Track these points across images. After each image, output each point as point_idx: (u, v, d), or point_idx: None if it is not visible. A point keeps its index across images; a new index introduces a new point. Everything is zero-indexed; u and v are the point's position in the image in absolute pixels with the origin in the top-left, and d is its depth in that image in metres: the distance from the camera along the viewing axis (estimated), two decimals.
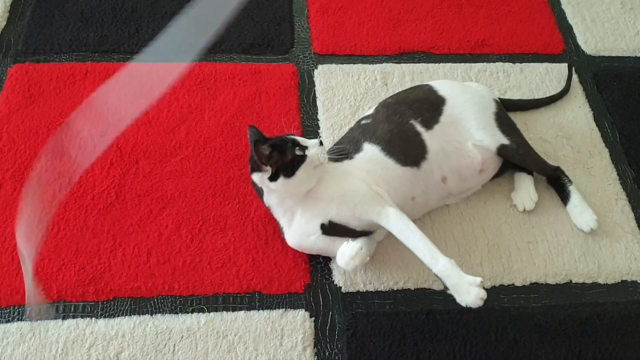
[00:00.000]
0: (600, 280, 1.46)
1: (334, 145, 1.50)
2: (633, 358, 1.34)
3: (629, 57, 1.92)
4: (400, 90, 1.71)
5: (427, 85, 1.57)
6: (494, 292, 1.42)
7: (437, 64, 1.82)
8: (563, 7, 2.04)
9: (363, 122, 1.50)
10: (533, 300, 1.41)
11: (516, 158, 1.51)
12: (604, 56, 1.92)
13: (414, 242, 1.28)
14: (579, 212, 1.51)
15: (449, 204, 1.53)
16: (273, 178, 1.28)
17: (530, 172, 1.57)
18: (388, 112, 1.48)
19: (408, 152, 1.41)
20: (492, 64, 1.84)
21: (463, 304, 1.23)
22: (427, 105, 1.49)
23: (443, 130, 1.46)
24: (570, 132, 1.70)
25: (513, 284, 1.43)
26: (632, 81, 1.84)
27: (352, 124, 1.64)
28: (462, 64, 1.83)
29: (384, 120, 1.46)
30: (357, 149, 1.42)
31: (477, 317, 1.37)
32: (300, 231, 1.34)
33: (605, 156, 1.67)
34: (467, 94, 1.53)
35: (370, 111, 1.53)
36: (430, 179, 1.43)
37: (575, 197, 1.52)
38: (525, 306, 1.40)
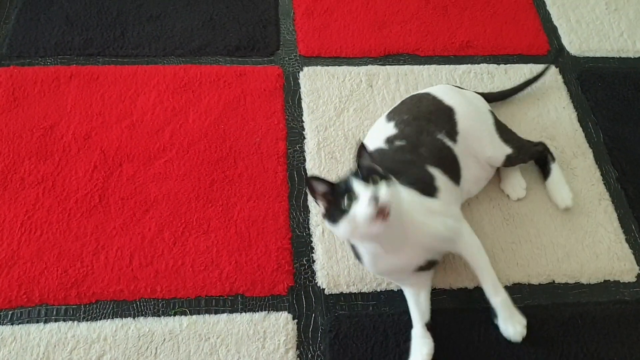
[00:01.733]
0: (583, 280, 1.46)
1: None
2: (615, 358, 1.34)
3: (613, 57, 1.93)
4: (385, 92, 1.73)
5: (427, 94, 1.51)
6: (477, 293, 1.41)
7: (421, 66, 1.83)
8: (548, 8, 2.04)
9: (397, 143, 1.40)
10: (516, 301, 1.40)
11: (517, 163, 1.53)
12: (588, 57, 1.92)
13: (482, 268, 1.33)
14: (557, 188, 1.55)
15: None
16: (325, 216, 1.17)
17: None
18: (414, 130, 1.41)
19: (452, 170, 1.40)
20: (476, 65, 1.85)
21: (505, 334, 1.33)
22: (441, 115, 1.44)
23: (462, 141, 1.43)
24: (554, 132, 1.71)
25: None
26: (616, 82, 1.85)
27: (337, 125, 1.66)
28: (447, 66, 1.83)
29: (419, 142, 1.39)
30: (431, 177, 1.34)
31: (459, 317, 1.37)
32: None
33: (589, 156, 1.67)
34: (470, 106, 1.49)
35: (390, 128, 1.44)
36: (461, 192, 1.44)
37: (555, 174, 1.56)
38: None
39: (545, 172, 1.57)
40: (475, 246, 1.34)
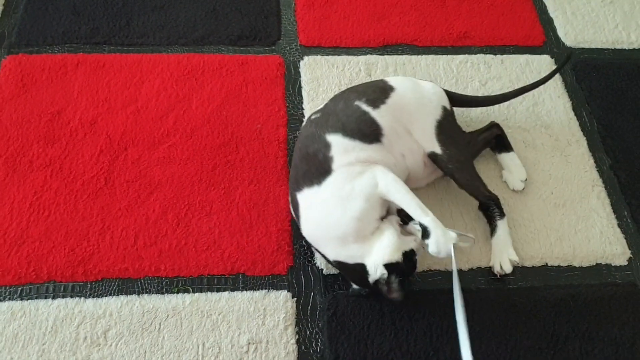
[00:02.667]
0: (575, 264, 1.50)
1: (296, 145, 1.49)
2: (605, 338, 1.38)
3: (608, 49, 1.96)
4: None
5: (380, 79, 1.57)
6: (471, 274, 1.46)
7: (419, 56, 1.86)
8: (544, 0, 2.08)
9: (313, 117, 1.49)
10: (509, 282, 1.45)
11: (445, 170, 1.48)
12: (583, 48, 1.96)
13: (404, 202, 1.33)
14: (499, 250, 1.46)
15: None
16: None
17: (509, 149, 1.62)
18: (334, 102, 1.48)
19: (364, 131, 1.40)
20: (473, 55, 1.88)
21: (435, 252, 1.31)
22: (373, 88, 1.49)
23: (390, 111, 1.45)
24: (549, 121, 1.74)
25: (490, 267, 1.47)
26: (611, 72, 1.89)
27: None
28: (444, 56, 1.87)
29: (332, 112, 1.44)
30: (326, 145, 1.38)
31: (454, 298, 1.41)
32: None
33: (583, 144, 1.71)
34: (417, 93, 1.50)
35: (320, 106, 1.53)
36: (394, 153, 1.43)
37: (500, 233, 1.47)
38: (501, 288, 1.44)
39: (491, 227, 1.49)
40: (392, 185, 1.33)
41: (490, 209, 1.48)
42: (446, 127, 1.50)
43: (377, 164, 1.37)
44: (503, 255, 1.45)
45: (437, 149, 1.47)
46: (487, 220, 1.50)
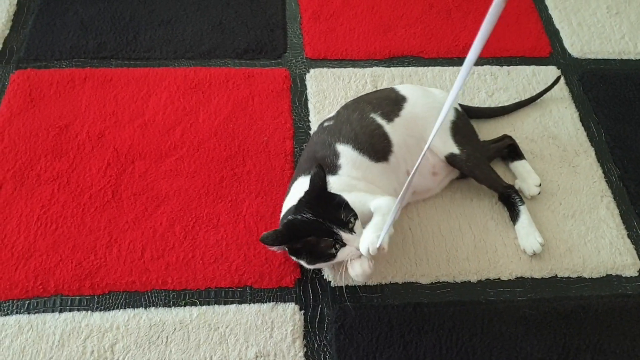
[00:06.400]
0: (585, 275, 1.49)
1: (305, 149, 1.55)
2: (617, 350, 1.36)
3: (615, 59, 1.96)
4: None
5: (390, 87, 1.61)
6: (480, 286, 1.45)
7: (425, 68, 1.87)
8: (550, 12, 2.09)
9: (326, 124, 1.52)
10: (519, 294, 1.44)
11: (464, 169, 1.52)
12: (590, 59, 1.96)
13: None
14: (526, 233, 1.50)
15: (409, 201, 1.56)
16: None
17: (521, 157, 1.63)
18: (348, 111, 1.52)
19: (375, 146, 1.44)
20: (480, 67, 1.89)
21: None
22: (387, 101, 1.53)
23: (403, 124, 1.49)
24: (557, 131, 1.74)
25: (499, 278, 1.46)
26: (618, 83, 1.88)
27: None
28: (451, 67, 1.87)
29: (346, 121, 1.48)
30: (335, 154, 1.42)
31: (463, 310, 1.40)
32: None
33: (591, 155, 1.70)
34: (428, 98, 1.55)
35: (332, 114, 1.56)
36: (399, 172, 1.47)
37: (524, 218, 1.51)
38: (511, 299, 1.43)
39: (513, 215, 1.53)
40: (383, 206, 1.31)
41: (512, 196, 1.53)
42: (460, 127, 1.55)
43: (378, 187, 1.41)
44: (530, 237, 1.49)
45: (455, 149, 1.50)
46: (508, 209, 1.55)
